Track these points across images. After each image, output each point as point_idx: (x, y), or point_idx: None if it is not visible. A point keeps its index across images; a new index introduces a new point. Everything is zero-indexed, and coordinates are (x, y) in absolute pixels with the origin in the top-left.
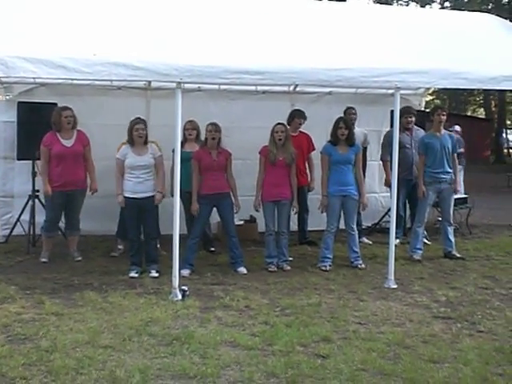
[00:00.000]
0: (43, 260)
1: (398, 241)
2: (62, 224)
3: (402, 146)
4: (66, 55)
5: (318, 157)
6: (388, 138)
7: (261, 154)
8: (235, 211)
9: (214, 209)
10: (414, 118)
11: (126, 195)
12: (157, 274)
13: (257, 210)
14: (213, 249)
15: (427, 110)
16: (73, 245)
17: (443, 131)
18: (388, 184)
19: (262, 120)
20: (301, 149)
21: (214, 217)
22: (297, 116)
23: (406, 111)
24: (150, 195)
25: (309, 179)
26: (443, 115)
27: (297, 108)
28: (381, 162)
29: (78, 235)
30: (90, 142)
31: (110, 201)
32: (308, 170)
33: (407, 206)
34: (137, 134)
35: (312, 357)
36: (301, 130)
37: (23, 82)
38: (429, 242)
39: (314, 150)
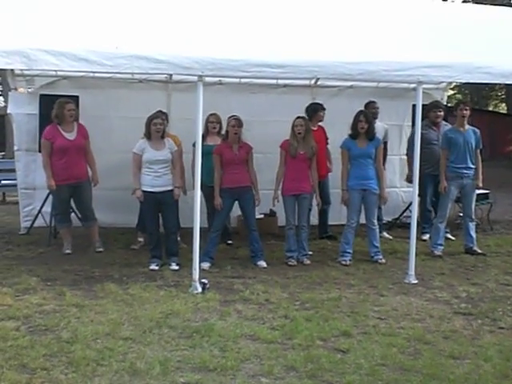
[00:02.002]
0: (67, 251)
1: (427, 236)
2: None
3: (428, 143)
4: (88, 48)
5: (337, 151)
6: (414, 133)
7: (281, 148)
8: (256, 205)
9: (235, 202)
10: (442, 113)
11: (145, 189)
12: (177, 267)
13: (273, 205)
14: (230, 241)
15: (449, 105)
16: (94, 235)
17: (467, 126)
18: (409, 180)
19: (283, 114)
20: (321, 142)
21: (234, 210)
22: (319, 109)
23: (434, 105)
24: (169, 189)
25: (329, 169)
26: (466, 110)
27: (314, 102)
28: (402, 157)
29: (96, 225)
30: (89, 135)
31: (130, 193)
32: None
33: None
34: (155, 129)
35: (332, 351)
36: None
37: (45, 75)
38: (453, 238)
39: (328, 142)
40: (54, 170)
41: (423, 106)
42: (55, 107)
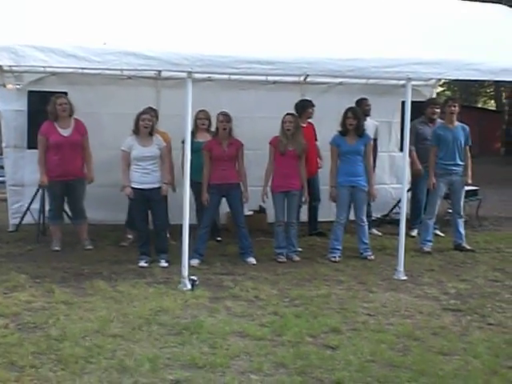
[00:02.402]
0: (55, 248)
1: (415, 232)
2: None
3: (423, 138)
4: (76, 44)
5: (327, 147)
6: (411, 128)
7: (271, 144)
8: (244, 202)
9: (224, 199)
10: (439, 110)
11: (133, 186)
12: (166, 264)
13: (263, 201)
14: (219, 238)
15: None
16: (82, 233)
17: (456, 123)
18: (417, 173)
19: (272, 110)
20: (311, 139)
21: (223, 207)
22: (308, 106)
23: (431, 102)
24: (157, 186)
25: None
26: (454, 106)
27: (303, 98)
28: (391, 154)
29: (86, 223)
30: (87, 131)
31: (119, 190)
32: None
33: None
34: (143, 124)
35: (321, 348)
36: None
37: (33, 71)
38: (442, 234)
39: (316, 140)
40: (49, 165)
41: (420, 102)
42: (49, 104)
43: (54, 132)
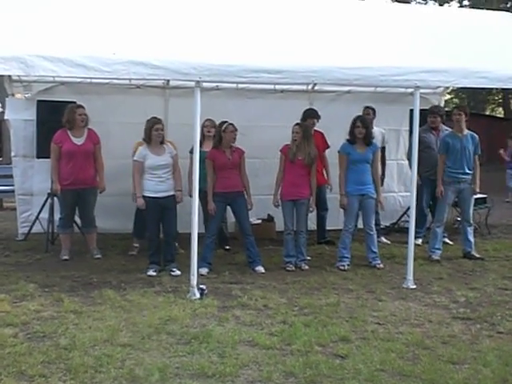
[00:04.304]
0: (64, 257)
1: (420, 240)
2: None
3: (426, 146)
4: (85, 54)
5: (333, 155)
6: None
7: (281, 152)
8: (248, 209)
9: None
10: (438, 118)
11: (148, 195)
12: (179, 272)
13: (275, 207)
14: (228, 247)
15: (447, 110)
16: (92, 242)
17: (466, 131)
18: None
19: (280, 119)
20: (318, 148)
21: (232, 216)
22: (309, 117)
23: (430, 111)
24: (172, 194)
25: (326, 178)
26: (460, 114)
27: (308, 108)
28: (399, 162)
29: (95, 232)
30: (100, 141)
31: (127, 199)
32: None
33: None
34: (156, 134)
35: (330, 357)
36: (315, 128)
37: (43, 81)
38: (451, 242)
39: (328, 147)
40: (61, 174)
41: (423, 110)
42: (66, 112)
43: (67, 140)
